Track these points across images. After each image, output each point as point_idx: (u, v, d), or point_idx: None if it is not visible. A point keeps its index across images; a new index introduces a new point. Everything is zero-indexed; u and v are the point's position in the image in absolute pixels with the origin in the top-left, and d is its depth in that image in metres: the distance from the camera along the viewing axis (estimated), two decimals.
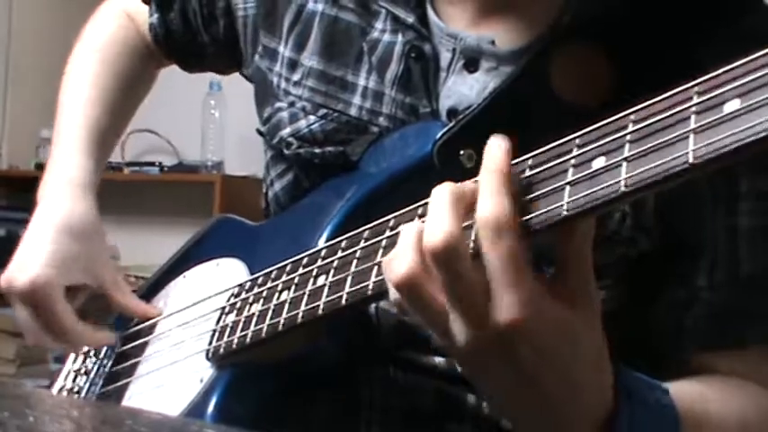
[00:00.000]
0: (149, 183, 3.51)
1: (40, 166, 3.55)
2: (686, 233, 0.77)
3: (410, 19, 0.84)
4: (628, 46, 0.75)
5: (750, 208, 0.75)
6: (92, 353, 1.04)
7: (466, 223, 0.57)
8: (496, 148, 0.58)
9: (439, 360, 0.81)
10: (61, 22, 3.54)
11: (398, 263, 0.58)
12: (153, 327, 0.97)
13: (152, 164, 3.47)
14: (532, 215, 0.56)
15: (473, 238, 0.57)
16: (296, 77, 0.90)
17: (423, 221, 0.59)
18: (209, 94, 3.36)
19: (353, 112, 0.86)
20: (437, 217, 0.57)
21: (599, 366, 0.61)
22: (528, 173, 0.58)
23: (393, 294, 0.60)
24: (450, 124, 0.77)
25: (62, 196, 0.99)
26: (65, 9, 3.57)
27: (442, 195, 0.58)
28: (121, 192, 3.42)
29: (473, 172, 0.59)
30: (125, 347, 0.99)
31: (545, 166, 0.57)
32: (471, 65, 0.82)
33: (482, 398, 0.66)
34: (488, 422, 0.80)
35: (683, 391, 0.68)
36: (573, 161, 0.55)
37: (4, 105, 3.63)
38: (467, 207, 0.57)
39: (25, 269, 0.93)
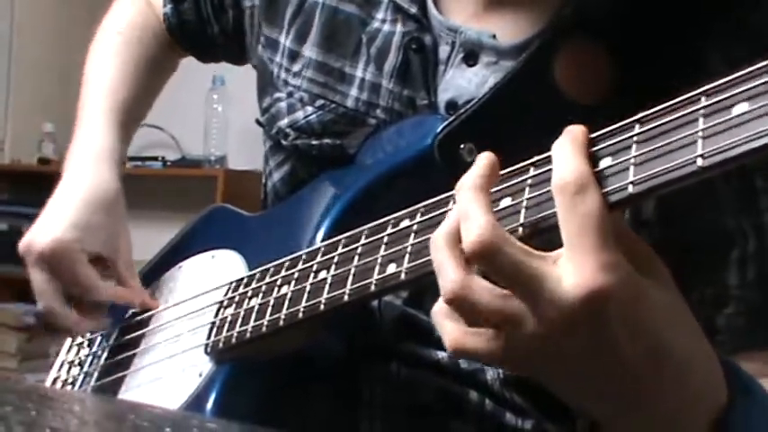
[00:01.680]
0: (152, 177, 3.51)
1: (43, 161, 3.57)
2: (704, 229, 0.75)
3: (412, 9, 0.84)
4: (629, 41, 0.75)
5: None
6: (85, 343, 1.03)
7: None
8: (575, 127, 0.55)
9: (442, 355, 0.81)
10: (64, 16, 3.54)
11: (470, 223, 0.52)
12: (149, 319, 0.97)
13: (155, 158, 3.48)
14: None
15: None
16: (296, 68, 0.90)
17: (512, 201, 0.56)
18: (213, 88, 3.37)
19: (350, 103, 0.86)
20: (563, 155, 0.53)
21: (702, 345, 0.56)
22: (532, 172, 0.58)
23: (456, 275, 0.54)
24: (452, 118, 0.77)
25: (88, 168, 1.00)
26: (68, 4, 3.57)
27: (567, 143, 0.53)
28: (124, 186, 3.42)
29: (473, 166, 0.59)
30: (121, 339, 0.99)
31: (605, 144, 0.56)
32: (471, 58, 0.81)
33: (566, 402, 0.57)
34: (491, 419, 0.80)
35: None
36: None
37: (7, 100, 3.63)
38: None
39: (47, 231, 0.93)
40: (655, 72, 0.74)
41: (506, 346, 0.54)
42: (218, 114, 3.41)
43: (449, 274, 0.54)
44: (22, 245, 0.94)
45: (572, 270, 0.51)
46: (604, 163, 0.53)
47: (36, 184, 3.09)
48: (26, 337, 3.19)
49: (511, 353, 0.54)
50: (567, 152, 0.53)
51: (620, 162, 0.53)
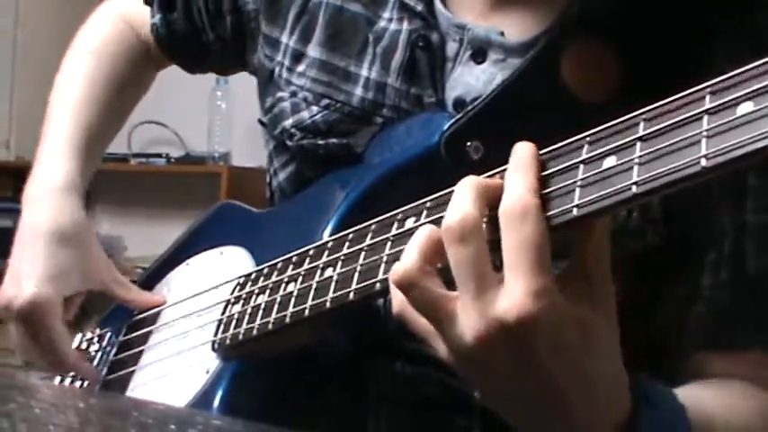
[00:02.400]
0: (156, 174, 3.52)
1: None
2: (690, 227, 0.76)
3: (419, 7, 0.83)
4: (635, 39, 0.75)
5: (757, 205, 0.75)
6: (95, 339, 1.03)
7: (487, 215, 0.57)
8: (524, 146, 0.57)
9: None
10: (68, 13, 3.54)
11: (400, 262, 0.58)
12: (157, 315, 0.97)
13: (159, 155, 3.47)
14: (548, 213, 0.55)
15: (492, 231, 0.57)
16: (300, 68, 0.90)
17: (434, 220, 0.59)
18: (216, 85, 3.36)
19: (356, 102, 0.85)
20: (458, 200, 0.56)
21: (617, 367, 0.59)
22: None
23: (395, 298, 0.60)
24: (458, 115, 0.77)
25: (45, 204, 0.98)
26: (72, 1, 3.57)
27: (467, 183, 0.57)
28: (128, 183, 3.42)
29: (480, 164, 0.59)
30: (130, 335, 0.99)
31: (556, 166, 0.56)
32: (479, 56, 0.81)
33: (489, 407, 0.63)
34: (495, 416, 0.80)
35: (689, 395, 0.67)
36: (583, 159, 0.55)
37: (11, 97, 3.64)
38: (489, 200, 0.57)
39: (22, 287, 0.92)
40: (660, 70, 0.74)
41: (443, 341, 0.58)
42: (222, 111, 3.41)
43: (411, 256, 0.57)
44: (2, 302, 0.94)
45: (504, 293, 0.54)
46: (608, 163, 0.53)
47: None
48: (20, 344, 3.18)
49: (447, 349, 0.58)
50: (516, 177, 0.56)
51: (624, 162, 0.53)
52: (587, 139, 0.56)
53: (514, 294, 0.53)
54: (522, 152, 0.57)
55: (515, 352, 0.55)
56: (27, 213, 0.99)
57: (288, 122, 0.90)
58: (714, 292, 0.76)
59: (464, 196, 0.56)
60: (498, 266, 0.55)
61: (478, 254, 0.55)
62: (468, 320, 0.55)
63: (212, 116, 3.42)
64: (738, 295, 0.76)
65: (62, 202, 0.99)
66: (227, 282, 0.86)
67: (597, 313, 0.56)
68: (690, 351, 0.77)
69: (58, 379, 1.05)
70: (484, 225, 0.56)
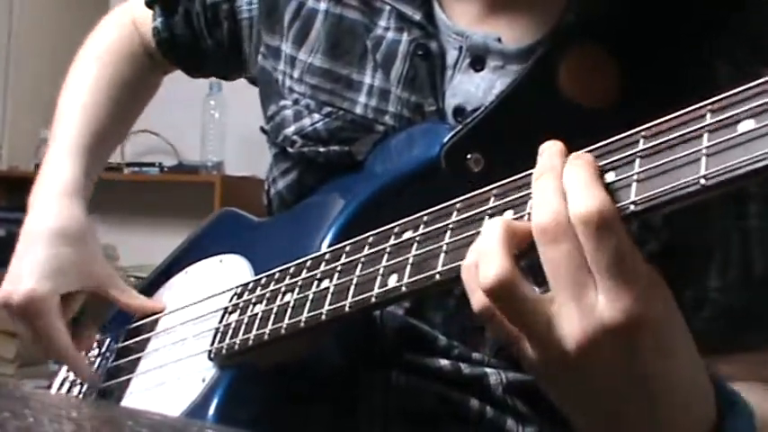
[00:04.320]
0: (149, 183, 3.51)
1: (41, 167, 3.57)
2: (692, 232, 0.76)
3: (417, 16, 0.83)
4: (634, 44, 0.75)
5: (760, 210, 0.75)
6: (95, 345, 1.04)
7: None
8: (558, 147, 0.56)
9: (443, 362, 0.81)
10: (62, 21, 3.54)
11: (487, 265, 0.54)
12: (155, 322, 0.97)
13: (152, 164, 3.47)
14: None
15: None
16: (296, 74, 0.90)
17: (514, 214, 0.57)
18: (210, 94, 3.37)
19: (359, 110, 0.85)
20: (543, 199, 0.54)
21: (703, 372, 0.58)
22: None
23: (479, 303, 0.56)
24: (458, 127, 0.77)
25: (49, 206, 1.00)
26: (66, 9, 3.57)
27: (545, 179, 0.55)
28: (121, 192, 3.42)
29: (480, 176, 0.59)
30: (127, 342, 0.99)
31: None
32: (478, 63, 0.81)
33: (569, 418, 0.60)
34: (492, 426, 0.80)
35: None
36: None
37: (4, 105, 3.63)
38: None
39: (21, 283, 0.94)
40: (659, 75, 0.74)
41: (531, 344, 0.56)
42: (215, 120, 3.41)
43: (497, 260, 0.54)
44: (1, 299, 0.96)
45: (607, 301, 0.52)
46: (608, 178, 0.53)
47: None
48: (24, 342, 3.18)
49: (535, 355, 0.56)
50: (582, 181, 0.53)
51: (622, 179, 0.53)
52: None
53: (620, 301, 0.52)
54: (582, 154, 0.55)
55: (621, 353, 0.53)
56: (31, 215, 1.00)
57: (290, 130, 0.90)
58: (722, 295, 0.76)
59: (550, 193, 0.54)
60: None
61: (574, 254, 0.53)
62: (570, 325, 0.53)
63: (206, 125, 3.42)
64: (748, 297, 0.76)
65: (65, 204, 1.00)
66: (225, 290, 0.86)
67: (674, 309, 0.56)
68: (702, 355, 0.77)
69: (56, 385, 1.05)
70: None
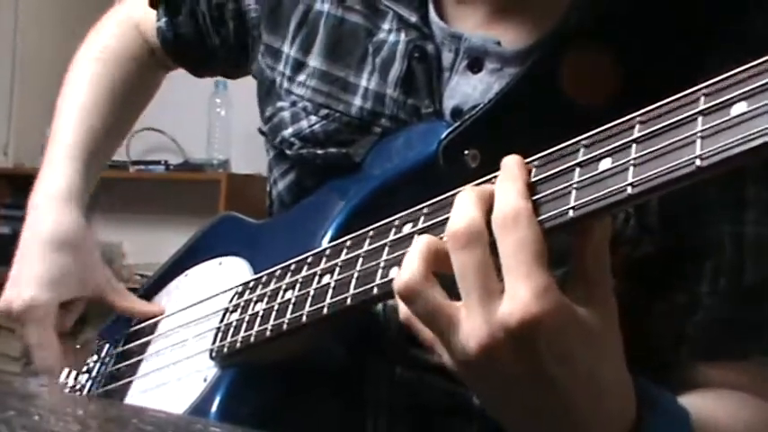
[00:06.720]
0: (155, 181, 3.52)
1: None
2: (688, 235, 0.76)
3: (413, 18, 0.84)
4: (634, 46, 0.75)
5: (756, 217, 0.74)
6: (94, 349, 1.04)
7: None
8: (511, 157, 0.58)
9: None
10: (68, 20, 3.55)
11: (402, 271, 0.58)
12: (155, 325, 0.97)
13: (158, 162, 3.48)
14: (542, 217, 0.55)
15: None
16: (301, 78, 0.90)
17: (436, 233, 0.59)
18: (215, 92, 3.37)
19: (354, 112, 0.85)
20: (461, 207, 0.56)
21: (621, 371, 0.59)
22: (534, 174, 0.58)
23: (399, 305, 0.59)
24: (456, 124, 0.77)
25: (47, 211, 1.00)
26: (71, 7, 3.57)
27: (469, 190, 0.58)
28: (127, 190, 3.42)
29: (478, 172, 0.59)
30: (128, 345, 0.99)
31: (550, 170, 0.57)
32: (475, 65, 0.81)
33: (491, 416, 0.62)
34: (496, 421, 0.80)
35: (690, 404, 0.66)
36: (579, 162, 0.55)
37: (10, 104, 3.64)
38: (489, 207, 0.57)
39: (21, 291, 0.96)
40: (659, 76, 0.74)
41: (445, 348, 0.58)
42: (221, 118, 3.41)
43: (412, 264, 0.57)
44: (2, 306, 0.97)
45: (506, 297, 0.54)
46: (604, 165, 0.54)
47: None
48: None
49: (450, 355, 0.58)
50: (507, 183, 0.56)
51: (619, 164, 0.53)
52: (583, 142, 0.56)
53: (516, 297, 0.53)
54: (509, 162, 0.58)
55: (519, 357, 0.55)
56: (30, 220, 1.01)
57: (287, 132, 0.90)
58: (713, 301, 0.76)
59: (467, 203, 0.56)
60: (498, 275, 0.55)
61: (483, 260, 0.55)
62: (472, 328, 0.55)
63: (211, 123, 3.42)
64: (737, 305, 0.75)
65: (63, 209, 1.00)
66: (226, 290, 0.86)
67: (599, 316, 0.56)
68: (688, 360, 0.77)
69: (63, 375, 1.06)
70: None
